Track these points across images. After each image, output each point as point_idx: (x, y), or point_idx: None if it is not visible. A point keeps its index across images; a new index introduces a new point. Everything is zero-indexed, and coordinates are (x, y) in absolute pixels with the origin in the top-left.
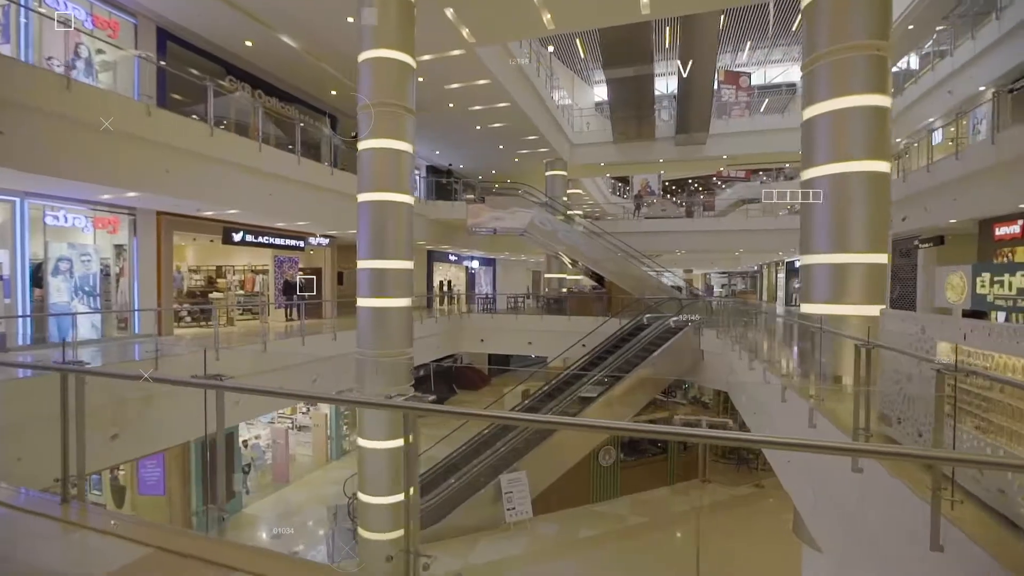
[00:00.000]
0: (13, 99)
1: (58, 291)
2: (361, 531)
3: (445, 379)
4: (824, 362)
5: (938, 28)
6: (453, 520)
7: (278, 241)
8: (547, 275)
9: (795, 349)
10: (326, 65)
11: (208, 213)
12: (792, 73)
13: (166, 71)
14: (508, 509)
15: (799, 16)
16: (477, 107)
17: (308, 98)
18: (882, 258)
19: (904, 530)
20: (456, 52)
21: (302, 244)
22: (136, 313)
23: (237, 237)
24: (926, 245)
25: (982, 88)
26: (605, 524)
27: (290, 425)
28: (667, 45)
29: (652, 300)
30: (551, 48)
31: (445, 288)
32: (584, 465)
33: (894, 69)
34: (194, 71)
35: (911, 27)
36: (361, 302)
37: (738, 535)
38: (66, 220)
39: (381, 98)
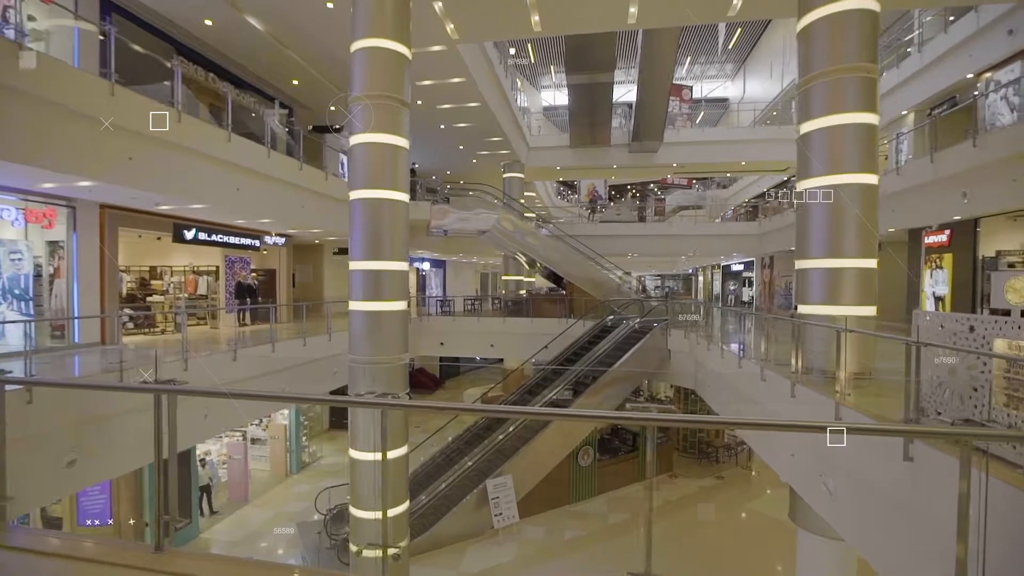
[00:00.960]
0: None
1: None
2: (353, 548)
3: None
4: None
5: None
6: (439, 530)
7: (232, 240)
8: (504, 277)
9: (799, 347)
10: (292, 52)
11: (165, 208)
12: (725, 89)
13: (111, 47)
14: (496, 515)
15: (735, 36)
16: (446, 105)
17: (264, 86)
18: (872, 263)
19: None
20: (436, 48)
21: (257, 243)
22: (76, 320)
23: (189, 235)
24: None
25: (904, 112)
26: (589, 524)
27: (240, 438)
28: (625, 55)
29: (618, 302)
30: (513, 50)
31: None
32: (564, 466)
33: None
34: (138, 46)
35: None
36: (354, 306)
37: (714, 524)
38: None
39: (375, 90)
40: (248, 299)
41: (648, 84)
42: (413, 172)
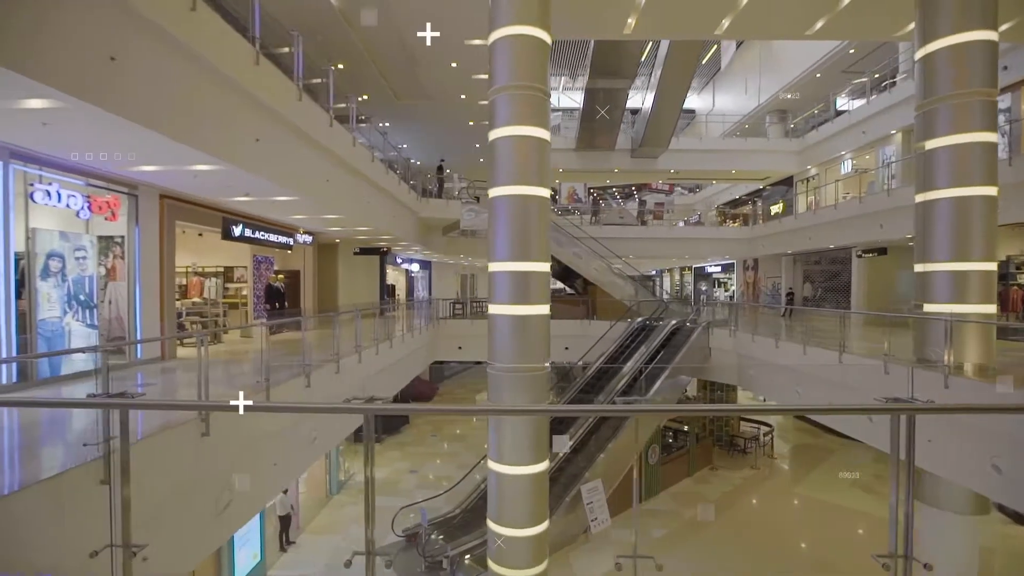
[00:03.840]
0: (138, 11)
1: (48, 302)
2: (494, 566)
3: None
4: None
5: (854, 80)
6: None
7: (272, 237)
8: None
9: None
10: (356, 33)
11: (240, 198)
12: (690, 101)
13: (256, 5)
14: (592, 519)
15: (710, 52)
16: (485, 101)
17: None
18: (992, 265)
19: None
20: None
21: (291, 241)
22: (138, 330)
23: (237, 231)
24: (869, 255)
25: (893, 132)
26: (667, 522)
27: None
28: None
29: (649, 303)
30: None
31: (393, 293)
32: (634, 465)
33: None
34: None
35: (818, 75)
36: (496, 309)
37: (784, 513)
38: (59, 198)
39: (520, 80)
40: (277, 304)
41: (664, 95)
42: (440, 170)
